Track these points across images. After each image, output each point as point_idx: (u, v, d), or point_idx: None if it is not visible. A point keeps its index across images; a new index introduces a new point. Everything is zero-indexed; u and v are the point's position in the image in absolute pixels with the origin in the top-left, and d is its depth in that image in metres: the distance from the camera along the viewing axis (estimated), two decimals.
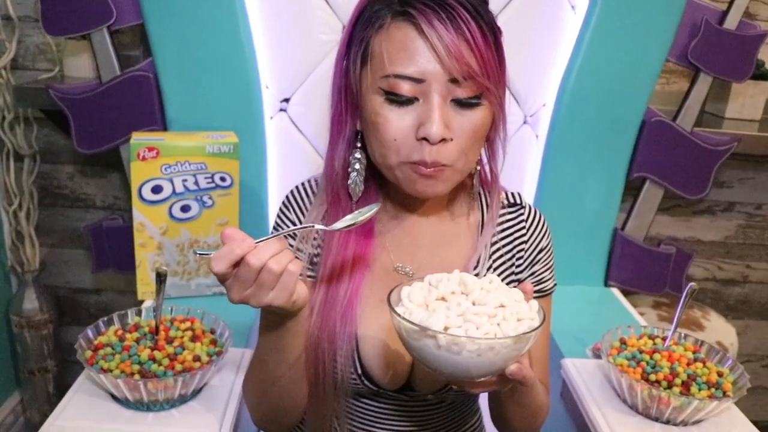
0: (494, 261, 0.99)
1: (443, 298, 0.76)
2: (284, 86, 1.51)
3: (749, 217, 2.02)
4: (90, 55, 1.57)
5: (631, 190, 1.64)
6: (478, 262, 0.97)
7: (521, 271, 1.01)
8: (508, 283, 0.99)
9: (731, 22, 1.51)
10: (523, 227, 1.01)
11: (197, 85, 1.45)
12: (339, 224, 0.82)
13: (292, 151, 1.53)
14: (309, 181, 1.01)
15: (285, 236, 0.90)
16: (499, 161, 0.95)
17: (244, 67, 1.44)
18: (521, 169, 1.60)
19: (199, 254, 0.77)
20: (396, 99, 0.82)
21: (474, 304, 0.74)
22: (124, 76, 1.47)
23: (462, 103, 0.82)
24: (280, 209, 1.01)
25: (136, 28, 1.55)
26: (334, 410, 0.97)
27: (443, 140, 0.81)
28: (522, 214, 1.01)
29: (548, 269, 1.03)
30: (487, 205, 1.00)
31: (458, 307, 0.73)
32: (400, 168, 0.85)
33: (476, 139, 0.85)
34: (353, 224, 0.82)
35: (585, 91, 1.48)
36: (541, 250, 1.01)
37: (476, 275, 0.96)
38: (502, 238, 1.00)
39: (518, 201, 1.02)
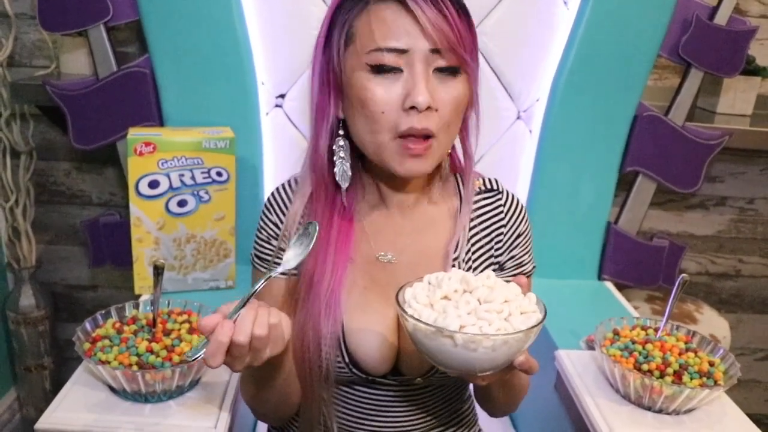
0: (473, 245, 1.01)
1: (447, 297, 0.78)
2: (279, 82, 1.52)
3: (741, 211, 2.04)
4: (87, 51, 1.58)
5: (624, 184, 1.65)
6: (457, 246, 0.99)
7: (500, 255, 1.03)
8: (487, 266, 1.02)
9: (721, 18, 1.52)
10: (501, 211, 1.03)
11: (193, 81, 1.46)
12: (293, 261, 0.84)
13: (288, 146, 1.54)
14: (288, 182, 1.04)
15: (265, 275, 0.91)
16: (472, 140, 0.98)
17: (240, 63, 1.45)
18: (515, 164, 1.61)
19: (192, 359, 0.78)
20: (382, 69, 0.86)
21: (479, 300, 0.77)
22: (120, 72, 1.48)
23: (444, 73, 0.87)
24: (263, 212, 1.03)
25: (133, 25, 1.56)
26: (322, 399, 0.99)
27: (429, 108, 0.85)
28: (499, 199, 1.04)
29: (527, 252, 1.06)
30: (463, 187, 1.03)
31: (467, 305, 0.75)
32: (390, 146, 0.87)
33: (457, 110, 0.89)
34: (307, 252, 0.84)
35: (578, 86, 1.49)
36: (519, 235, 1.04)
37: (456, 259, 0.99)
38: (481, 223, 1.02)
39: (495, 186, 1.05)
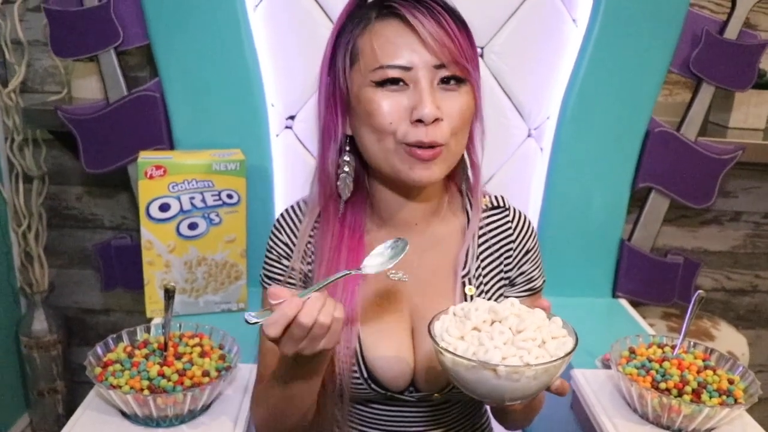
0: (482, 261, 1.02)
1: (477, 328, 0.79)
2: (289, 104, 1.52)
3: (756, 226, 2.02)
4: (97, 77, 1.59)
5: (637, 200, 1.64)
6: (466, 262, 1.00)
7: (510, 271, 1.04)
8: (497, 282, 1.03)
9: (732, 32, 1.52)
10: (509, 227, 1.04)
11: (203, 103, 1.46)
12: (373, 268, 0.85)
13: (298, 167, 1.54)
14: (297, 203, 1.05)
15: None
16: (478, 150, 0.99)
17: (250, 85, 1.45)
18: (527, 182, 1.61)
19: (253, 321, 0.78)
20: (388, 84, 0.87)
21: (511, 329, 0.77)
22: (131, 96, 1.49)
23: (448, 83, 0.87)
24: (272, 233, 1.04)
25: (143, 49, 1.57)
26: (335, 416, 0.99)
27: (436, 120, 0.85)
28: (507, 216, 1.05)
29: (537, 268, 1.07)
30: (470, 204, 1.04)
31: (502, 336, 0.76)
32: (398, 152, 0.88)
33: (464, 119, 0.90)
34: (390, 265, 0.85)
35: (588, 103, 1.49)
36: (528, 251, 1.05)
37: (465, 276, 0.99)
38: (489, 240, 1.03)
39: (502, 204, 1.06)
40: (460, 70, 0.87)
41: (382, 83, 0.87)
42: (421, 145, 0.86)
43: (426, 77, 0.86)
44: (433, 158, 0.87)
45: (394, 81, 0.86)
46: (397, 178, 0.91)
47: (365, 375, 0.96)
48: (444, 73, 0.86)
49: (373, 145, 0.90)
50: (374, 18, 0.89)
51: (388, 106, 0.86)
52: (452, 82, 0.87)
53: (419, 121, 0.85)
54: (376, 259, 0.86)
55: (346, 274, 0.85)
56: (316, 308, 0.77)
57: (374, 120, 0.87)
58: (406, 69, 0.86)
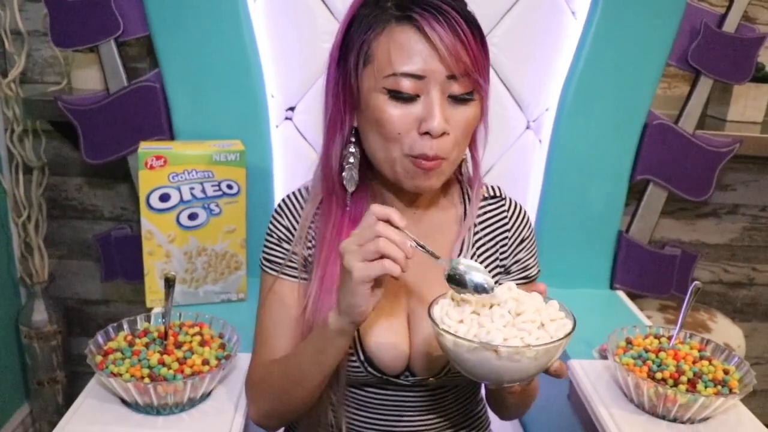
0: (478, 249, 1.04)
1: (476, 312, 0.80)
2: (289, 95, 1.52)
3: (754, 219, 2.03)
4: (98, 67, 1.59)
5: (635, 192, 1.64)
6: (461, 250, 1.02)
7: (505, 259, 1.06)
8: (493, 270, 1.05)
9: (730, 25, 1.52)
10: (505, 217, 1.06)
11: (204, 94, 1.47)
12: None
13: (298, 158, 1.54)
14: (299, 190, 1.06)
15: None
16: (480, 150, 1.01)
17: (250, 76, 1.46)
18: (525, 174, 1.61)
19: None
20: (400, 96, 0.87)
21: (510, 312, 0.79)
22: (131, 86, 1.49)
23: (457, 99, 0.88)
24: (273, 217, 1.05)
25: (143, 40, 1.57)
26: (330, 400, 1.00)
27: (443, 134, 0.87)
28: (503, 206, 1.07)
29: (532, 257, 1.09)
30: (469, 196, 1.06)
31: (502, 319, 0.78)
32: (402, 161, 0.90)
33: (468, 131, 0.92)
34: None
35: (587, 95, 1.49)
36: (523, 240, 1.07)
37: None
38: (485, 228, 1.05)
39: (498, 194, 1.08)
40: (471, 83, 0.88)
41: (394, 94, 0.87)
42: (425, 158, 0.88)
43: (437, 89, 0.86)
44: (435, 168, 0.89)
45: (407, 98, 0.87)
46: (397, 183, 0.93)
47: (362, 358, 0.98)
48: (455, 88, 0.87)
49: (378, 150, 0.92)
50: (391, 22, 0.87)
51: (397, 116, 0.87)
52: (462, 98, 0.88)
53: (427, 133, 0.86)
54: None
55: (437, 258, 0.84)
56: (390, 232, 0.79)
57: (383, 128, 0.88)
58: (419, 78, 0.86)
